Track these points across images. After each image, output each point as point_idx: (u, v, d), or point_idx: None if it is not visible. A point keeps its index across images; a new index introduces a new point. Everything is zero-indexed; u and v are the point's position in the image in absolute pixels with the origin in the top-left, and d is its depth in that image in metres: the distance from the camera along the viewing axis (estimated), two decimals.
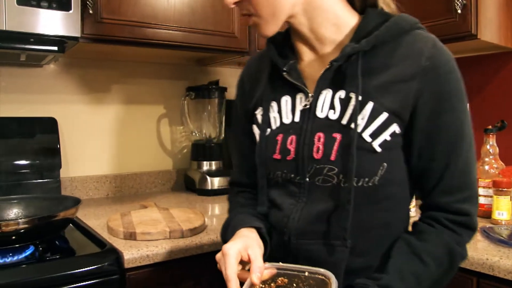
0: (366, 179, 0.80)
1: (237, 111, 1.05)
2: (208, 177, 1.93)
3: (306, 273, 0.77)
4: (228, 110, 2.05)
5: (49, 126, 1.75)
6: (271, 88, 0.93)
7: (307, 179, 0.85)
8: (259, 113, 0.94)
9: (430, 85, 0.79)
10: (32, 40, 1.41)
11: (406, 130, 0.82)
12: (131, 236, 1.27)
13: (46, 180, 1.71)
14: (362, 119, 0.80)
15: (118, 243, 1.23)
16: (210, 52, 1.83)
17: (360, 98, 0.80)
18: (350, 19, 0.87)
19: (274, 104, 0.92)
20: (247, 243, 0.81)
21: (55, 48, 1.47)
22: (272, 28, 0.86)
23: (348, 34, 0.86)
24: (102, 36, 1.54)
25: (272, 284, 0.77)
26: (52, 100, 1.82)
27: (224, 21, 1.80)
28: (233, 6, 0.86)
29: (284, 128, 0.89)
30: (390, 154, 0.81)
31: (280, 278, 0.78)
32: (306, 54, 0.91)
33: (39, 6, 1.36)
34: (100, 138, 1.93)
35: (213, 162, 2.01)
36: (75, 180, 1.84)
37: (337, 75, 0.84)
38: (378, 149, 0.80)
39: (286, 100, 0.90)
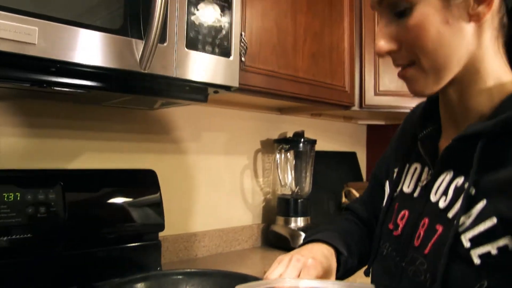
0: None
1: (388, 152, 0.93)
2: (302, 234, 1.72)
3: None
4: (317, 163, 1.87)
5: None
6: (411, 149, 0.80)
7: (404, 263, 0.72)
8: (396, 171, 0.83)
9: None
10: (187, 88, 1.17)
11: None
12: None
13: (146, 242, 1.42)
14: (469, 217, 0.62)
15: None
16: (323, 106, 1.66)
17: (473, 192, 0.63)
18: (510, 88, 0.67)
19: (406, 168, 0.80)
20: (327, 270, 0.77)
21: (201, 97, 1.23)
22: (431, 86, 0.68)
23: (497, 106, 0.66)
24: (247, 86, 1.32)
25: None
26: (141, 148, 1.54)
27: (339, 73, 1.65)
28: (385, 55, 0.70)
29: (402, 197, 0.79)
30: (497, 272, 0.59)
31: None
32: (447, 123, 0.75)
33: (204, 51, 1.12)
34: (181, 192, 1.66)
35: (301, 218, 1.80)
36: (166, 240, 1.55)
37: (460, 156, 0.67)
38: (477, 260, 0.60)
39: (416, 167, 0.78)
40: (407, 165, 0.80)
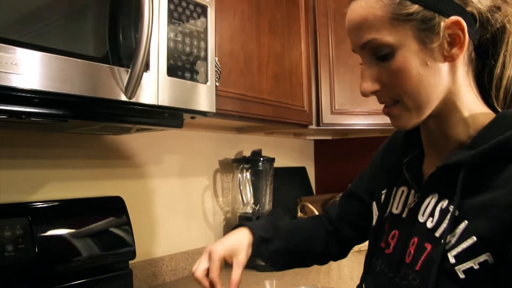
0: None
1: (368, 172, 1.01)
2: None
3: None
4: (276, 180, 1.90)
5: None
6: (397, 173, 0.86)
7: (397, 279, 0.78)
8: (384, 193, 0.88)
9: None
10: (166, 115, 1.14)
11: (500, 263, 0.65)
12: None
13: (118, 272, 1.36)
14: (453, 236, 0.68)
15: None
16: (284, 126, 1.69)
17: (456, 213, 0.69)
18: (483, 118, 0.73)
19: (393, 190, 0.86)
20: (234, 249, 0.90)
21: (178, 123, 1.21)
22: (414, 121, 0.73)
23: (472, 136, 0.72)
24: (221, 110, 1.31)
25: None
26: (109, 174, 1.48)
27: (298, 94, 1.69)
28: (370, 95, 0.75)
29: (391, 218, 0.84)
30: (480, 285, 0.65)
31: None
32: (429, 149, 0.81)
33: (184, 77, 1.11)
34: (144, 217, 1.61)
35: None
36: (134, 267, 1.50)
37: (444, 181, 0.73)
38: (462, 275, 0.66)
39: (403, 190, 0.83)
40: (395, 188, 0.85)
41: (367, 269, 0.87)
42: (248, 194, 1.81)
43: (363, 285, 0.89)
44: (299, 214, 2.05)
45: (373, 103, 0.86)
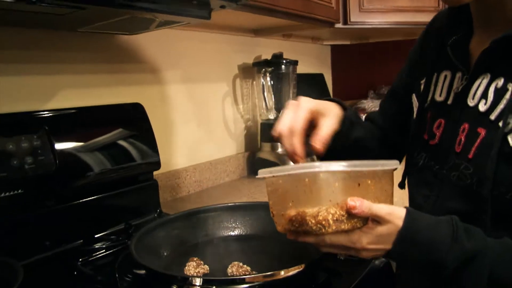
0: (504, 190, 0.63)
1: (407, 67, 0.89)
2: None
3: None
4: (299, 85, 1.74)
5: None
6: (438, 57, 0.77)
7: (445, 171, 0.71)
8: (423, 83, 0.80)
9: None
10: (194, 2, 0.96)
11: None
12: None
13: (143, 183, 1.24)
14: None
15: None
16: (310, 23, 1.50)
17: None
18: None
19: (434, 77, 0.78)
20: (325, 109, 0.73)
21: (205, 13, 1.03)
22: None
23: None
24: (249, 1, 1.13)
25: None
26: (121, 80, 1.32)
27: None
28: None
29: (434, 107, 0.76)
30: None
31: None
32: (479, 28, 0.73)
33: None
34: (164, 126, 1.46)
35: None
36: (157, 179, 1.38)
37: (500, 59, 0.66)
38: None
39: (445, 75, 0.75)
40: (435, 74, 0.77)
41: (408, 165, 0.81)
42: (271, 100, 1.66)
43: (405, 183, 0.83)
44: None
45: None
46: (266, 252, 0.89)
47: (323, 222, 0.57)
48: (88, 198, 1.09)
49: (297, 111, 0.69)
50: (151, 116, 1.27)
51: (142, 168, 1.23)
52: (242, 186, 1.58)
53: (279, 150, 1.67)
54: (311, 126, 0.71)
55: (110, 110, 1.20)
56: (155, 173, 1.32)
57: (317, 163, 0.58)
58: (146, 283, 0.75)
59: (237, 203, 1.03)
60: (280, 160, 1.63)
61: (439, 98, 0.75)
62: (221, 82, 1.66)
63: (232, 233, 0.98)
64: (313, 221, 0.58)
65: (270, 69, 1.62)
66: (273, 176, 0.63)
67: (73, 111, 1.11)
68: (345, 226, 0.59)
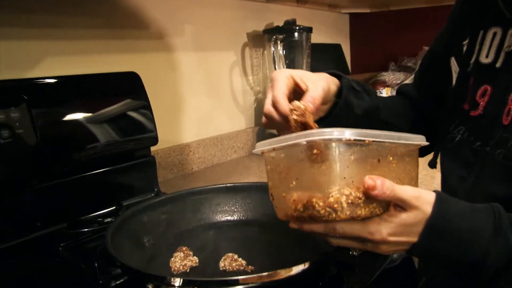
0: None
1: (448, 27, 0.75)
2: None
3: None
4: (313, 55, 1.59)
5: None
6: (486, 11, 0.64)
7: (488, 147, 0.58)
8: (466, 44, 0.67)
9: None
10: None
11: None
12: None
13: (138, 160, 1.13)
14: None
15: None
16: None
17: None
18: None
19: (480, 35, 0.65)
20: (308, 74, 0.61)
21: None
22: None
23: None
24: None
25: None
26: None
27: None
28: None
29: (478, 71, 0.63)
30: None
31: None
32: None
33: None
34: (165, 97, 1.33)
35: None
36: (157, 155, 1.26)
37: None
38: None
39: (494, 32, 0.62)
40: (481, 32, 0.64)
41: (442, 140, 0.69)
42: None
43: (437, 161, 0.70)
44: None
45: None
46: (267, 242, 0.77)
47: (335, 206, 0.45)
48: (75, 176, 0.98)
49: (275, 84, 0.58)
50: (151, 87, 1.15)
51: (137, 143, 1.11)
52: (251, 164, 1.46)
53: None
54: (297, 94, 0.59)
55: (101, 80, 1.08)
56: (154, 148, 1.20)
57: (328, 129, 0.45)
58: (123, 279, 0.63)
59: (237, 184, 0.90)
60: None
61: (485, 60, 0.62)
62: (229, 51, 1.52)
63: (231, 218, 0.86)
64: (322, 204, 0.46)
65: (281, 36, 1.47)
66: (273, 149, 0.51)
67: (56, 79, 0.99)
68: (361, 211, 0.47)
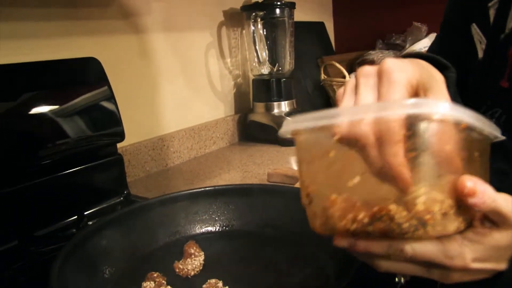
0: None
1: None
2: (289, 119, 1.34)
3: None
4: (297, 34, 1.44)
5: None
6: None
7: None
8: (492, 6, 0.55)
9: None
10: None
11: None
12: None
13: (103, 160, 0.97)
14: None
15: None
16: None
17: None
18: None
19: None
20: (428, 78, 0.37)
21: None
22: None
23: None
24: None
25: None
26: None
27: None
28: None
29: None
30: None
31: None
32: None
33: None
34: (132, 86, 1.17)
35: (286, 102, 1.40)
36: (125, 152, 1.11)
37: None
38: None
39: None
40: None
41: None
42: (264, 51, 1.37)
43: None
44: (322, 76, 1.63)
45: None
46: (259, 259, 0.63)
47: (426, 217, 0.31)
48: (25, 184, 0.82)
49: (388, 89, 0.34)
50: (115, 74, 0.99)
51: (100, 140, 0.95)
52: (232, 156, 1.31)
53: (275, 111, 1.39)
54: None
55: (54, 67, 0.91)
56: (121, 145, 1.04)
57: (414, 100, 0.31)
58: None
59: (217, 187, 0.75)
60: (277, 124, 1.35)
61: None
62: (203, 31, 1.36)
63: (212, 229, 0.72)
64: (405, 214, 0.31)
65: (262, 13, 1.32)
66: (330, 126, 0.33)
67: (5, 69, 0.82)
68: (450, 227, 0.33)
